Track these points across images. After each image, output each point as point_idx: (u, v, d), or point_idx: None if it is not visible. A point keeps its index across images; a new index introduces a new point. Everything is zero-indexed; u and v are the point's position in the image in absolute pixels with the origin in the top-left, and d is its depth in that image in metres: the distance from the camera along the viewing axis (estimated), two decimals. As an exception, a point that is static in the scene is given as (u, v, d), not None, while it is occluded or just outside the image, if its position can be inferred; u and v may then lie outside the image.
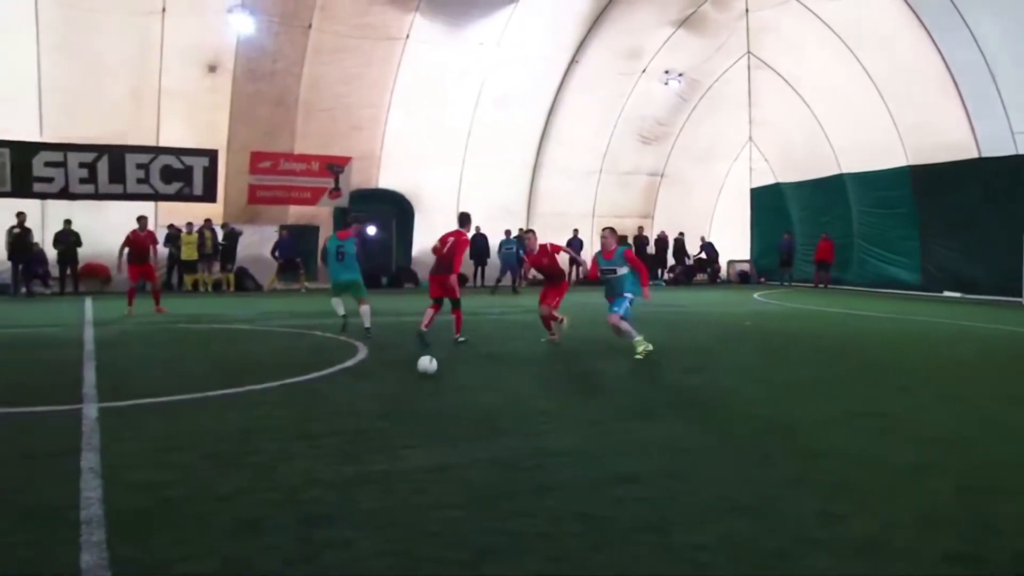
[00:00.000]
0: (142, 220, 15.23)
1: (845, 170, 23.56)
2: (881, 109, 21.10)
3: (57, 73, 18.88)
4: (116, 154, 19.91)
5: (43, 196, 19.63)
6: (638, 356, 8.98)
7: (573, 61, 24.06)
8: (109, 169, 19.87)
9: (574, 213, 26.23)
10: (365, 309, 11.34)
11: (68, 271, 19.89)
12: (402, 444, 5.30)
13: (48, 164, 19.35)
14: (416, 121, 22.66)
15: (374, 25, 21.02)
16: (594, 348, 10.23)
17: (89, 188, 19.76)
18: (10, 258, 19.21)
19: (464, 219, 11.15)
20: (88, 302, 16.82)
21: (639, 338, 9.14)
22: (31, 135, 19.30)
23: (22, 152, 19.09)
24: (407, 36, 21.49)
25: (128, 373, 8.27)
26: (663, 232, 27.65)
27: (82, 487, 4.21)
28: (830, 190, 24.27)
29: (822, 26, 21.13)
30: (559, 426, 5.91)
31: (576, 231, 25.70)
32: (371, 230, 23.18)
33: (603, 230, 9.76)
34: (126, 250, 14.73)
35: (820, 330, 13.23)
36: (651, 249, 27.32)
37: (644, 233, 27.46)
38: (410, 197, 24.09)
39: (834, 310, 16.78)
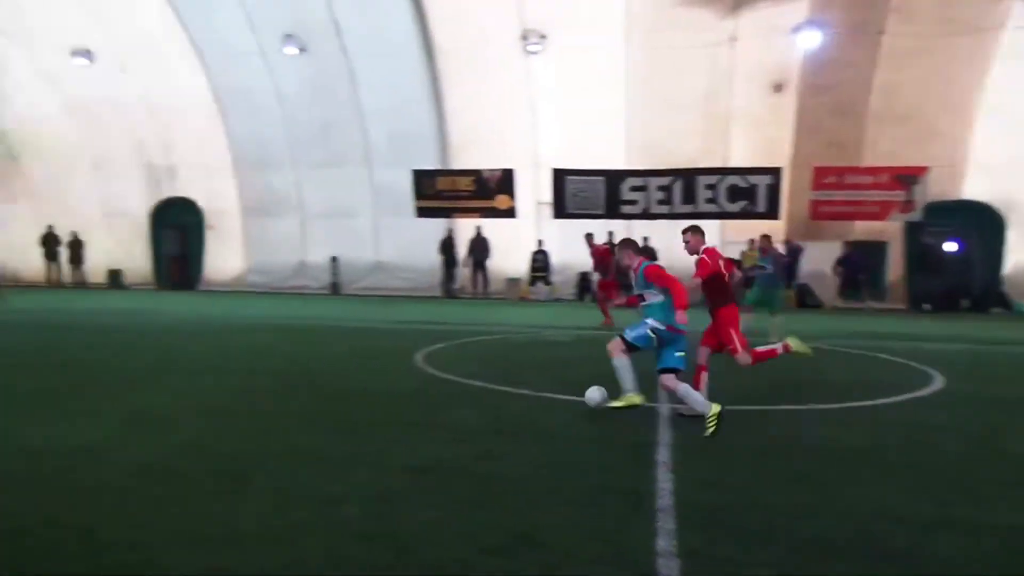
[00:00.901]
0: (589, 236, 16.52)
1: None
2: None
3: (639, 107, 21.40)
4: (689, 177, 21.69)
5: (628, 217, 22.46)
6: (709, 428, 5.69)
7: None
8: (683, 191, 21.77)
9: None
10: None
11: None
12: (991, 490, 4.56)
13: (633, 189, 22.17)
14: (1008, 120, 19.41)
15: (960, 19, 18.73)
16: None
17: (665, 208, 21.95)
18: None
19: None
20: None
21: (710, 408, 5.78)
22: (618, 164, 22.27)
23: (612, 180, 22.26)
24: (1003, 24, 18.61)
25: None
26: None
27: (658, 478, 4.63)
28: None
29: None
30: None
31: None
32: (950, 246, 20.73)
33: (622, 241, 6.76)
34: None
35: None
36: None
37: None
38: (1001, 208, 20.73)
39: None
